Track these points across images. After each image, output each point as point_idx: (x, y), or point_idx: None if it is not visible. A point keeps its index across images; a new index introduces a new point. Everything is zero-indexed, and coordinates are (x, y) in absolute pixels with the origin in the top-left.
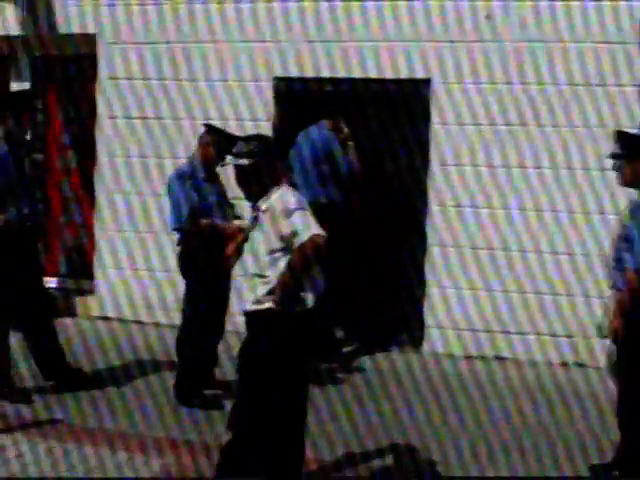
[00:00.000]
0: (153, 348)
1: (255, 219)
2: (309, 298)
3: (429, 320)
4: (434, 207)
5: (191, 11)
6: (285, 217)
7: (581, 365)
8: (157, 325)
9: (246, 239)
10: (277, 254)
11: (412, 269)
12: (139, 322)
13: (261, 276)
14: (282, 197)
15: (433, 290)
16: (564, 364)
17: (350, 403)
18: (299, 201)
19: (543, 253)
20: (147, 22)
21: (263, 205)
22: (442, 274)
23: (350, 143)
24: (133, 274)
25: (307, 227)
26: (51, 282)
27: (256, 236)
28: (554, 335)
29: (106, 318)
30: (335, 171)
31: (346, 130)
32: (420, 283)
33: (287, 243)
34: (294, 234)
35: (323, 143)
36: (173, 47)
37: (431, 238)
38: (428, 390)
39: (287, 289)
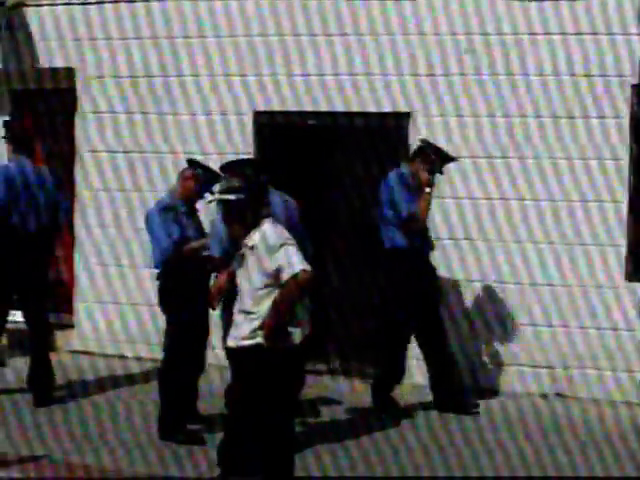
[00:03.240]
0: (135, 382)
1: (242, 256)
2: (296, 333)
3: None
4: None
5: (172, 44)
6: (270, 253)
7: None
8: (139, 359)
9: (232, 277)
10: (263, 290)
11: None
12: (121, 356)
13: (248, 312)
14: (267, 233)
15: None
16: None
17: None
18: (284, 236)
19: (523, 284)
20: (129, 55)
21: (250, 241)
22: None
23: (427, 190)
24: (114, 308)
25: (292, 263)
26: None
27: (243, 272)
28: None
29: (87, 352)
30: (398, 216)
31: (424, 175)
32: None
33: (273, 279)
34: (280, 270)
35: (386, 187)
36: (154, 80)
37: None
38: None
39: (276, 325)
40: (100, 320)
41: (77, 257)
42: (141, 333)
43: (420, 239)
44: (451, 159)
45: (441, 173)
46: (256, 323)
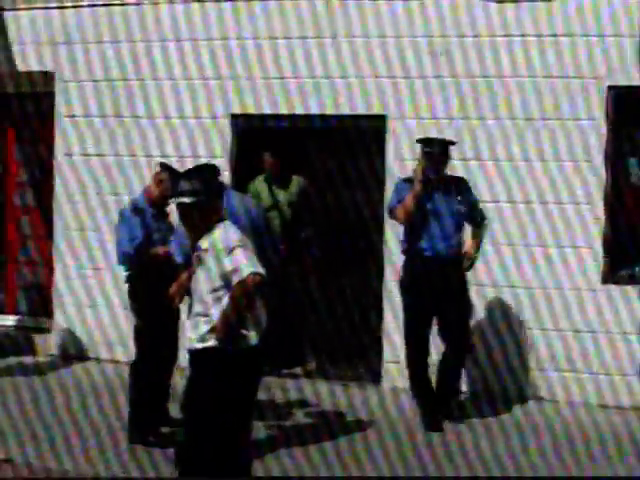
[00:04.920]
0: (111, 385)
1: (197, 258)
2: (252, 335)
3: (388, 355)
4: (392, 243)
5: (148, 48)
6: (226, 254)
7: None
8: (116, 362)
9: (190, 278)
10: (219, 292)
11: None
12: (98, 359)
13: (204, 315)
14: (223, 235)
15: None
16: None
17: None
18: (240, 238)
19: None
20: (105, 59)
21: (204, 244)
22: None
23: (416, 186)
24: (92, 311)
25: (242, 266)
26: (9, 320)
27: (198, 275)
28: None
29: (65, 356)
30: None
31: (416, 170)
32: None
33: (224, 282)
34: (234, 271)
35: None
36: (130, 84)
37: (389, 274)
38: (387, 425)
39: (228, 326)
40: (78, 323)
41: (55, 261)
42: (118, 336)
43: (428, 241)
44: (427, 142)
45: (436, 173)
46: (210, 325)
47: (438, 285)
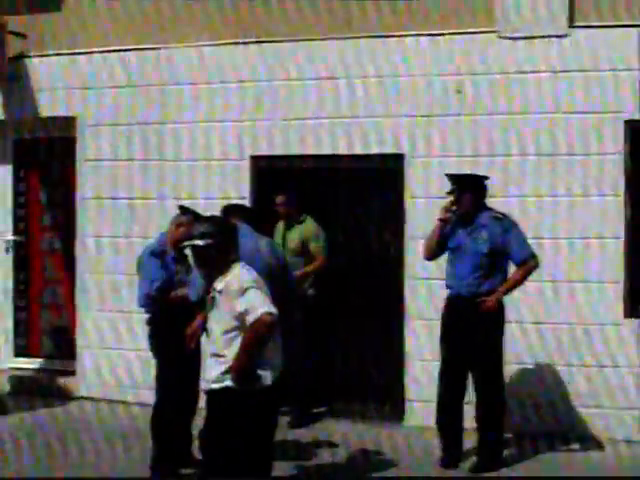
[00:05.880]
0: (139, 429)
1: (212, 299)
2: (267, 375)
3: (411, 393)
4: (413, 281)
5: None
6: (239, 295)
7: None
8: (143, 405)
9: (205, 319)
10: (233, 333)
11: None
12: (124, 402)
13: (219, 355)
14: (237, 276)
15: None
16: None
17: None
18: (253, 279)
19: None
20: (134, 104)
21: (219, 285)
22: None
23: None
24: (118, 353)
25: (255, 306)
26: (35, 362)
27: (213, 316)
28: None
29: (91, 399)
30: None
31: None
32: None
33: (240, 322)
34: (247, 312)
35: None
36: (152, 128)
37: (410, 310)
38: (410, 465)
39: (242, 367)
40: (103, 366)
41: (79, 303)
42: (145, 379)
43: (451, 278)
44: (449, 177)
45: (457, 209)
46: (225, 366)
47: (459, 325)
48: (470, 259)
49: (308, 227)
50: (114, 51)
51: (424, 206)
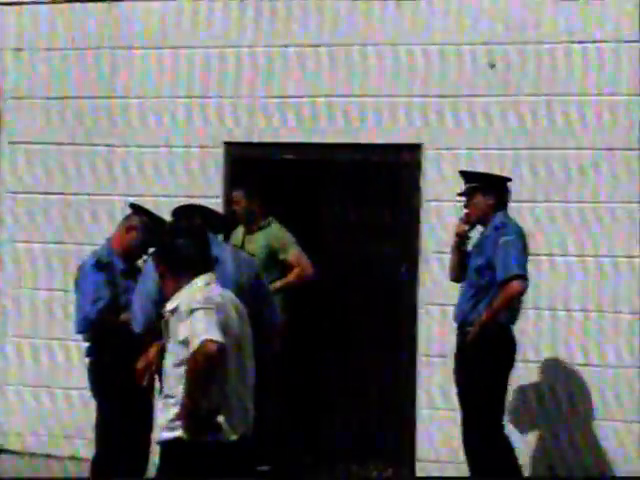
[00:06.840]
0: None
1: (165, 323)
2: (227, 426)
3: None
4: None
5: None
6: (181, 320)
7: None
8: (78, 460)
9: (163, 349)
10: (180, 368)
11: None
12: (53, 456)
13: (169, 396)
14: (189, 294)
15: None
16: None
17: None
18: (207, 298)
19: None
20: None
21: (170, 304)
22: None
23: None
24: (46, 392)
25: (197, 332)
26: None
27: (166, 345)
28: None
29: (10, 451)
30: None
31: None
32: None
33: (186, 352)
34: (188, 339)
35: None
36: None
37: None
38: None
39: (188, 411)
40: (27, 409)
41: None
42: (81, 426)
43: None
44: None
45: (465, 218)
46: (174, 410)
47: (458, 361)
48: (468, 279)
49: (274, 232)
50: (51, 2)
51: (445, 212)
